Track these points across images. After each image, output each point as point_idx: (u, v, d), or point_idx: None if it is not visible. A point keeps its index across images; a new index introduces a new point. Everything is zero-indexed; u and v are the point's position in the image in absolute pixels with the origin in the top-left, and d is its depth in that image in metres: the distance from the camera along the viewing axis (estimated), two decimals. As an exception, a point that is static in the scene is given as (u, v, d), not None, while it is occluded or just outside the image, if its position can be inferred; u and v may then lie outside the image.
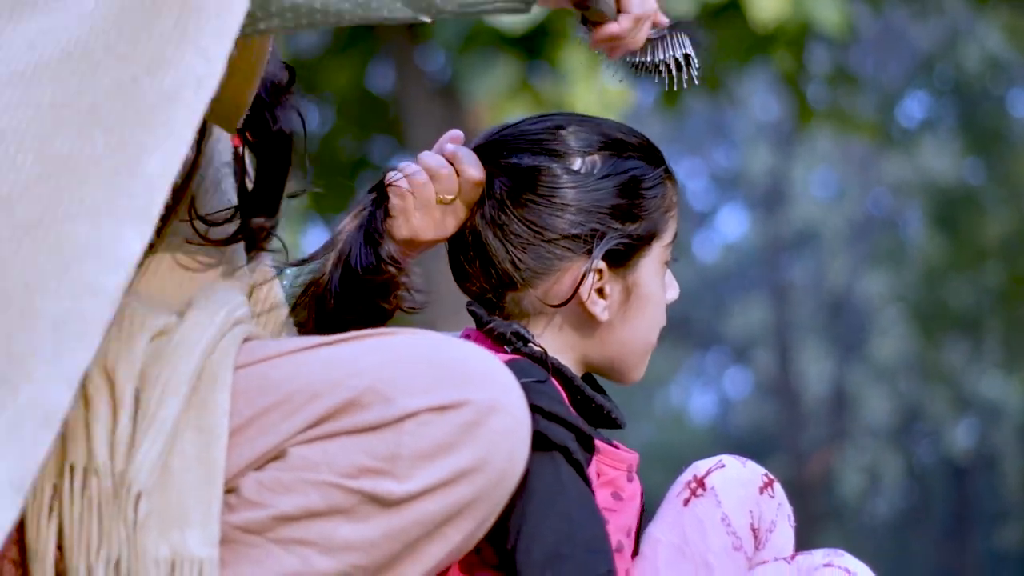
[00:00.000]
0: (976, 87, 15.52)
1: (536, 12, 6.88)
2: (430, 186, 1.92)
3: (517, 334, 1.85)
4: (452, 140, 1.95)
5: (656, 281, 1.91)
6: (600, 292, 1.88)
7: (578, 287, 1.86)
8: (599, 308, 1.88)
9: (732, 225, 30.83)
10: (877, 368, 19.68)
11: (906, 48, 17.35)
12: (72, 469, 1.63)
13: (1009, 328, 15.76)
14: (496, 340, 1.86)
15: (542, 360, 1.84)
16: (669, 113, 7.89)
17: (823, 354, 20.24)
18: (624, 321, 1.90)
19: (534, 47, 6.78)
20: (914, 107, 18.59)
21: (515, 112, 6.86)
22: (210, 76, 1.61)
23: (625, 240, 1.87)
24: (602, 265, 1.87)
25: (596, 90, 6.88)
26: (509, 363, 1.76)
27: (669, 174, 1.94)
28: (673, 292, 1.95)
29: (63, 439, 1.63)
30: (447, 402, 1.64)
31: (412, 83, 7.62)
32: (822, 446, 19.37)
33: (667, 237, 1.92)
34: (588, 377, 1.95)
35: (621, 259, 1.88)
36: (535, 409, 1.73)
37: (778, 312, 20.17)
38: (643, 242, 1.89)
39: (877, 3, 8.34)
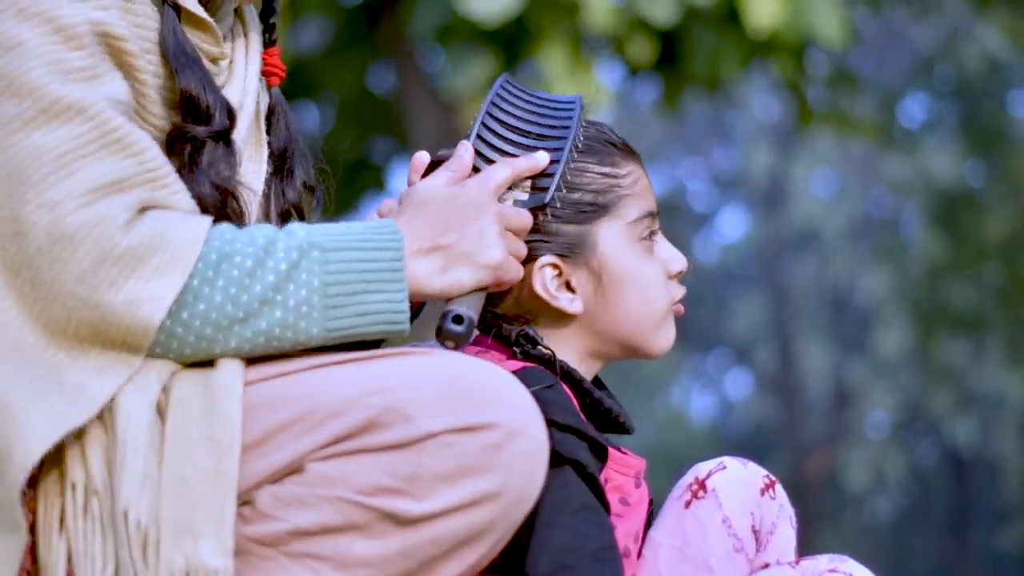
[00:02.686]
0: (976, 87, 15.52)
1: (512, 6, 6.81)
2: None
3: (525, 335, 1.86)
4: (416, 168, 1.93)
5: (630, 258, 1.89)
6: (568, 286, 1.88)
7: (536, 288, 1.87)
8: (566, 301, 1.88)
9: (732, 226, 30.85)
10: (878, 368, 19.68)
11: (906, 48, 17.35)
12: (74, 488, 1.63)
13: (1011, 327, 15.77)
14: (505, 343, 1.87)
15: (551, 363, 1.84)
16: (669, 114, 7.89)
17: (824, 354, 20.24)
18: (606, 306, 1.89)
19: (514, 44, 6.78)
20: (915, 108, 18.61)
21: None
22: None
23: (562, 227, 1.87)
24: (550, 259, 1.87)
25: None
26: (520, 372, 1.77)
27: (621, 150, 1.92)
28: (677, 263, 1.93)
29: (63, 459, 1.64)
30: (469, 424, 1.64)
31: (412, 83, 7.63)
32: (823, 446, 19.38)
33: (628, 214, 1.90)
34: (595, 380, 1.95)
35: (572, 248, 1.88)
36: (550, 423, 1.72)
37: (779, 313, 20.17)
38: (584, 221, 1.88)
39: (877, 4, 8.34)
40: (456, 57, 6.71)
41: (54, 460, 1.65)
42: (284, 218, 1.93)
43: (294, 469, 1.66)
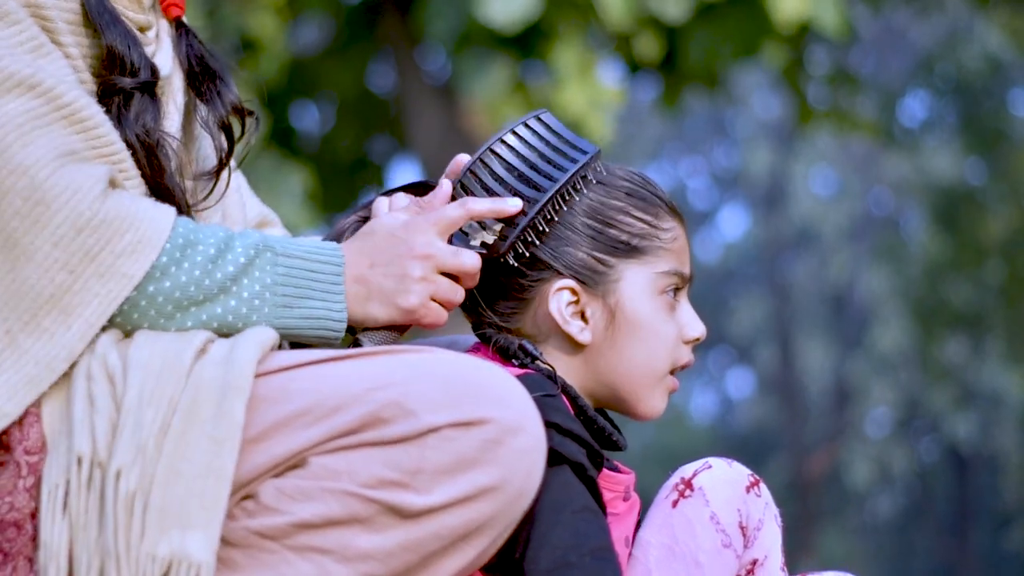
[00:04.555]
0: (977, 86, 15.53)
1: (529, 10, 6.81)
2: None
3: (524, 349, 1.87)
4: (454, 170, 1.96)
5: (647, 307, 1.91)
6: (582, 316, 1.90)
7: (550, 308, 1.88)
8: (576, 329, 1.89)
9: (733, 224, 30.87)
10: (878, 366, 19.70)
11: (907, 47, 17.36)
12: (80, 461, 1.65)
13: (1011, 325, 15.78)
14: (504, 356, 1.88)
15: (551, 376, 1.86)
16: (669, 112, 7.89)
17: (825, 353, 20.26)
18: (612, 346, 1.90)
19: (528, 46, 6.79)
20: (915, 106, 18.62)
21: (510, 112, 6.87)
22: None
23: (590, 257, 1.89)
24: (570, 284, 1.89)
25: (588, 90, 6.88)
26: (521, 377, 1.78)
27: (665, 206, 1.94)
28: (694, 330, 1.94)
29: (71, 432, 1.66)
30: (470, 419, 1.65)
31: (412, 82, 7.63)
32: (824, 444, 19.39)
33: (657, 264, 1.92)
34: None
35: (594, 279, 1.89)
36: (550, 425, 1.74)
37: (779, 311, 20.18)
38: (612, 254, 1.90)
39: (877, 3, 8.34)
40: (472, 63, 6.72)
41: (61, 438, 1.67)
42: (218, 151, 1.95)
43: (296, 463, 1.68)
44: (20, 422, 1.68)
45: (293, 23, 8.25)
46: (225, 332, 1.74)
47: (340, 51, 8.11)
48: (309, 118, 9.08)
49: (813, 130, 9.12)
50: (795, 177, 19.83)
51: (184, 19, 1.97)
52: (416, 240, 1.82)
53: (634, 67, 7.33)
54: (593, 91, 6.90)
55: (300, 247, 1.79)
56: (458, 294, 1.84)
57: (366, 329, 1.82)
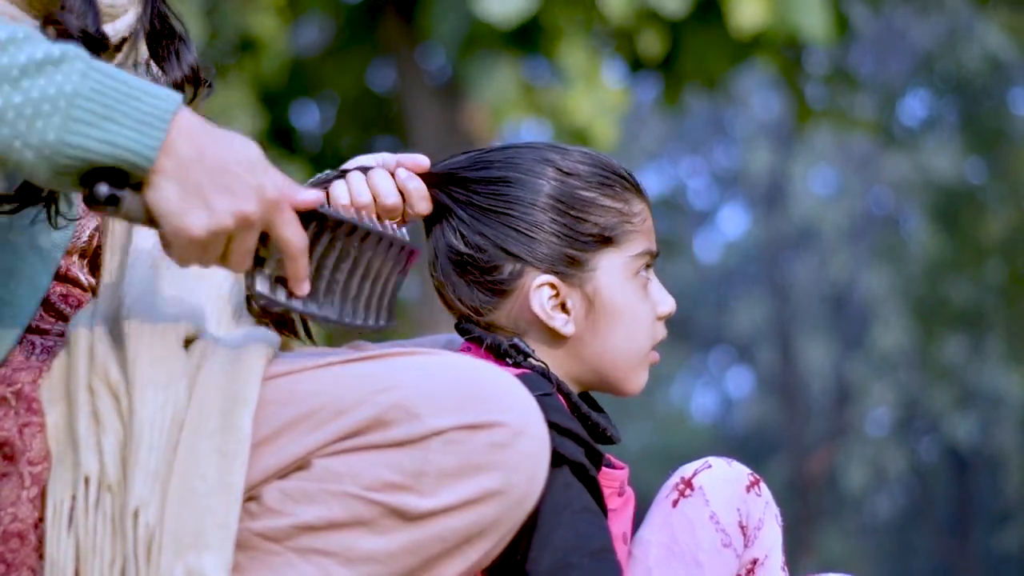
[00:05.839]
0: (977, 85, 15.54)
1: (527, 5, 6.77)
2: (372, 209, 1.94)
3: (516, 348, 1.88)
4: (407, 166, 1.95)
5: (625, 291, 1.91)
6: (563, 307, 1.90)
7: (532, 305, 1.88)
8: (559, 323, 1.90)
9: (733, 224, 30.88)
10: (878, 366, 19.70)
11: (907, 47, 17.37)
12: (87, 481, 1.64)
13: (1011, 325, 15.79)
14: (496, 354, 1.88)
15: (545, 374, 1.86)
16: (669, 112, 7.90)
17: (824, 352, 20.26)
18: (595, 334, 1.91)
19: (533, 44, 6.79)
20: (915, 105, 18.63)
21: (515, 113, 6.87)
22: None
23: (565, 251, 1.89)
24: (550, 279, 1.89)
25: (594, 93, 6.88)
26: (519, 377, 1.78)
27: (632, 188, 1.94)
28: (665, 305, 1.95)
29: (77, 450, 1.65)
30: (475, 422, 1.65)
31: (413, 82, 7.64)
32: (823, 444, 19.39)
33: (631, 248, 1.92)
34: (584, 394, 1.97)
35: (571, 271, 1.89)
36: (550, 425, 1.74)
37: (779, 311, 20.19)
38: (588, 249, 1.90)
39: (877, 3, 8.35)
40: (477, 66, 6.72)
41: (66, 451, 1.66)
42: None
43: (301, 465, 1.67)
44: (21, 431, 1.68)
45: (294, 23, 8.26)
46: (4, 141, 1.54)
47: (341, 51, 8.12)
48: (310, 118, 9.10)
49: (812, 129, 9.13)
50: (795, 177, 19.83)
51: None
52: (272, 190, 1.66)
53: (635, 66, 7.33)
54: (599, 94, 6.90)
55: (129, 75, 1.59)
56: (242, 262, 1.65)
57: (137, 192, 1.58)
